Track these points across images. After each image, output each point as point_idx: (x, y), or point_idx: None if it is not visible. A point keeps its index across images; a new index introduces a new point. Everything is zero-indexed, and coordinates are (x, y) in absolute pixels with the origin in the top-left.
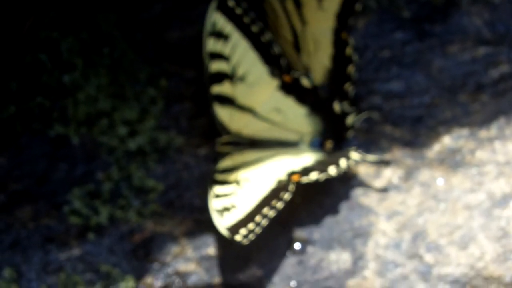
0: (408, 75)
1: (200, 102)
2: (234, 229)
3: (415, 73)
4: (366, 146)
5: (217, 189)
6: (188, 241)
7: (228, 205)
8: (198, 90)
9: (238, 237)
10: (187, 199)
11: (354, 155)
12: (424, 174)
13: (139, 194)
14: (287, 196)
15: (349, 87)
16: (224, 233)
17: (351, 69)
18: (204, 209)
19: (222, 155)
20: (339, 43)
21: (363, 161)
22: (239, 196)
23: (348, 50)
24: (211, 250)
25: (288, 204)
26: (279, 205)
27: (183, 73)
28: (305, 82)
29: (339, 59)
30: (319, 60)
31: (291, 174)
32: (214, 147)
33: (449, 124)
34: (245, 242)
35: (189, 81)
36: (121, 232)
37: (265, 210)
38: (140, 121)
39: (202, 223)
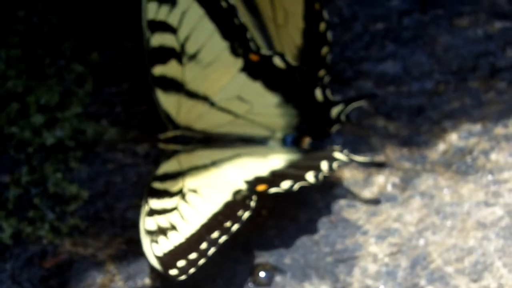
0: (406, 54)
1: (142, 84)
2: (170, 260)
3: (414, 52)
4: (353, 145)
5: (153, 202)
6: (118, 268)
7: (165, 225)
8: (140, 68)
9: (173, 272)
10: (119, 211)
11: (339, 155)
12: (426, 182)
13: (56, 204)
14: (245, 215)
15: (323, 74)
16: (155, 265)
17: (325, 51)
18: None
19: (166, 156)
20: (311, 16)
21: (349, 163)
22: (182, 214)
23: (322, 26)
24: (148, 280)
25: (251, 218)
26: (234, 227)
27: (121, 45)
28: (277, 61)
29: (311, 36)
30: (289, 35)
31: (256, 182)
32: (156, 144)
33: (456, 117)
34: (182, 277)
35: (129, 55)
36: (29, 254)
37: (214, 234)
38: (61, 107)
39: (138, 244)
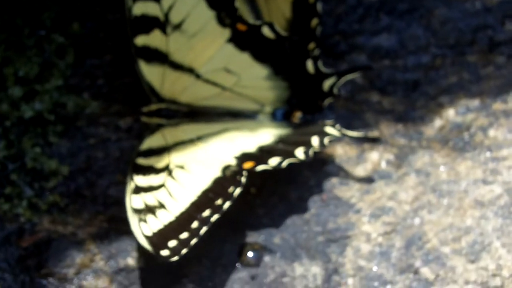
0: (402, 26)
1: (125, 56)
2: (160, 239)
3: (410, 25)
4: (346, 120)
5: (138, 179)
6: (98, 248)
7: (153, 203)
8: (123, 39)
9: (164, 252)
10: (101, 188)
11: (331, 130)
12: (422, 159)
13: (34, 180)
14: (237, 191)
15: (313, 47)
16: (145, 246)
17: (315, 23)
18: (124, 203)
19: (150, 130)
20: None
21: (342, 138)
22: (170, 191)
23: None
24: (131, 260)
25: (239, 196)
26: (226, 204)
27: (103, 16)
28: (266, 31)
29: (301, 8)
30: (278, 7)
31: (243, 158)
32: (139, 117)
33: (454, 92)
34: (174, 258)
35: (111, 25)
36: (6, 233)
37: (205, 212)
38: (41, 79)
39: (120, 222)
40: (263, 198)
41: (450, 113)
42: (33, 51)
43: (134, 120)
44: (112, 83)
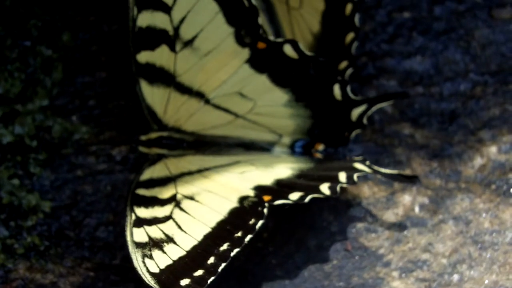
0: (438, 49)
1: (122, 72)
2: (170, 278)
3: (447, 47)
4: (373, 156)
5: (140, 211)
6: None
7: (159, 237)
8: (121, 54)
9: None
10: (88, 229)
11: (360, 166)
12: (460, 204)
13: (10, 218)
14: (259, 223)
15: (345, 66)
16: (152, 284)
17: (350, 38)
18: (115, 246)
19: (150, 160)
20: None
21: (369, 177)
22: (178, 223)
23: (349, 8)
24: None
25: (248, 242)
26: (247, 237)
27: (98, 26)
28: (289, 50)
29: (333, 21)
30: (303, 19)
31: (260, 190)
32: (136, 147)
33: (496, 126)
34: None
35: (106, 38)
36: None
37: (223, 246)
38: (23, 98)
39: (111, 270)
40: (277, 245)
41: (492, 150)
42: (15, 65)
43: (130, 149)
44: (105, 105)
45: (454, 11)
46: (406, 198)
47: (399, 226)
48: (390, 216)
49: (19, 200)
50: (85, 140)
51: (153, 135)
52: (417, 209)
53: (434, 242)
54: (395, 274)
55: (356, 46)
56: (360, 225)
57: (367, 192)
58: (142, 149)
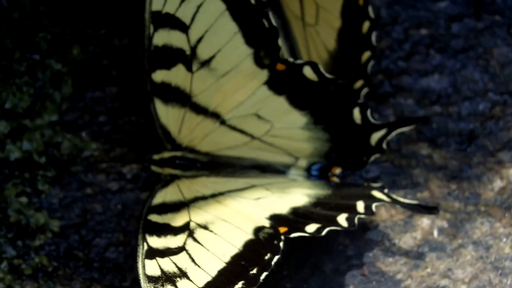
0: (456, 67)
1: (134, 89)
2: None
3: (466, 66)
4: (390, 177)
5: (152, 240)
6: None
7: (172, 270)
8: (133, 69)
9: None
10: (98, 249)
11: (379, 195)
12: (480, 228)
13: (17, 237)
14: (275, 259)
15: (360, 86)
16: None
17: (366, 57)
18: (125, 267)
19: (162, 182)
20: (352, 13)
21: (390, 204)
22: (192, 256)
23: (366, 26)
24: None
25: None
26: (262, 275)
27: (109, 39)
28: (308, 72)
29: (350, 38)
30: (319, 37)
31: (276, 220)
32: (148, 166)
33: None
34: None
35: (118, 52)
36: None
37: (238, 284)
38: (31, 113)
39: None
40: (291, 269)
41: None
42: (24, 79)
43: (142, 168)
44: (115, 121)
45: (472, 28)
46: (424, 222)
47: (418, 251)
48: (408, 240)
49: (27, 219)
50: (95, 157)
51: (166, 154)
52: (436, 233)
53: (453, 267)
54: None
55: (372, 65)
56: (377, 249)
57: (384, 214)
58: (154, 168)
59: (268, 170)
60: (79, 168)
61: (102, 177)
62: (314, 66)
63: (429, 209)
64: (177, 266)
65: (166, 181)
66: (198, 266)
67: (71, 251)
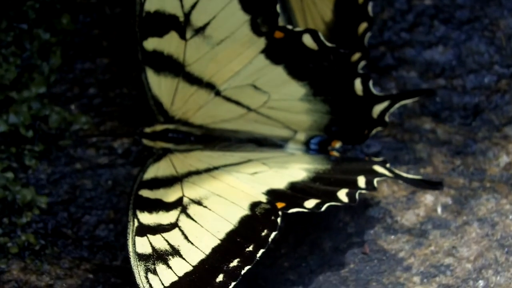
0: (461, 39)
1: (125, 59)
2: None
3: (471, 37)
4: (392, 152)
5: (143, 217)
6: None
7: (164, 248)
8: (124, 39)
9: None
10: (87, 227)
11: (381, 169)
12: (485, 205)
13: (3, 214)
14: (272, 235)
15: (358, 58)
16: None
17: (363, 28)
18: (116, 246)
19: (155, 156)
20: None
21: (392, 179)
22: (185, 232)
23: None
24: None
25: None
26: (259, 252)
27: (99, 7)
28: (308, 40)
29: (346, 9)
30: (316, 7)
31: (273, 195)
32: (139, 140)
33: None
34: None
35: (109, 21)
36: None
37: (233, 262)
38: (18, 85)
39: (112, 272)
40: (289, 247)
41: None
42: (11, 50)
43: (133, 142)
44: (106, 93)
45: None
46: (427, 198)
47: (421, 228)
48: (410, 217)
49: (13, 195)
50: (84, 131)
51: (159, 127)
52: (439, 210)
53: (458, 245)
54: (416, 279)
55: (369, 37)
56: (378, 226)
57: (386, 191)
58: (146, 142)
59: (265, 144)
60: (68, 143)
61: (91, 152)
62: (314, 34)
63: (433, 184)
64: (169, 244)
65: (159, 155)
66: (192, 243)
67: (59, 229)
